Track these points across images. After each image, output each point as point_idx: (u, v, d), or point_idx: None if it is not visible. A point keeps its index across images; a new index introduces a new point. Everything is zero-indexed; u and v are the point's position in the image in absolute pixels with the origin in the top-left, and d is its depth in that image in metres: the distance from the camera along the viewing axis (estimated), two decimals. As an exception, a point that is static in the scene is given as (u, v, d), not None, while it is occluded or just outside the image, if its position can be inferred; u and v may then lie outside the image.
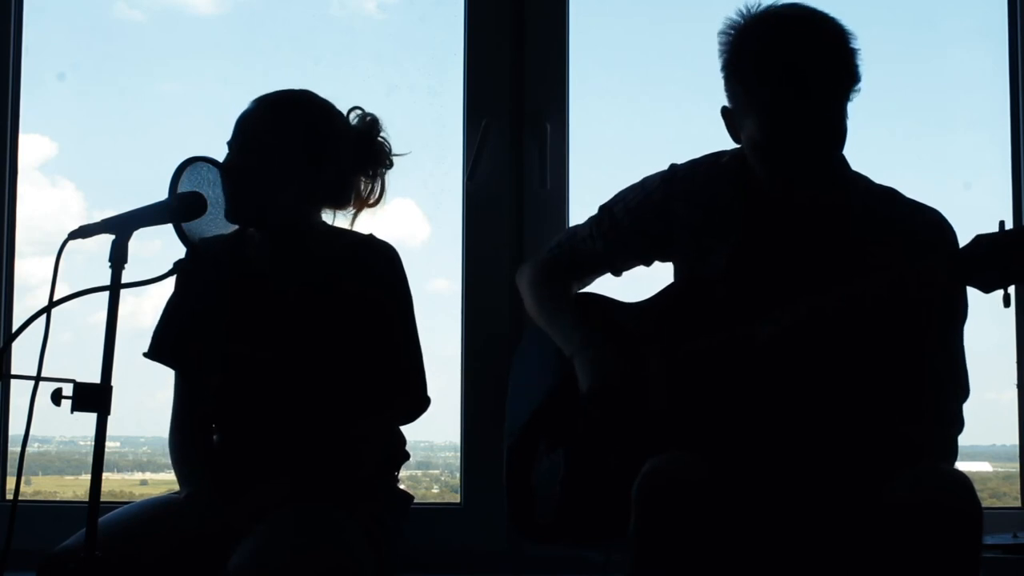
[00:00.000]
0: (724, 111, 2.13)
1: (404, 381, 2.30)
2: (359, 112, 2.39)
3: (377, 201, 2.42)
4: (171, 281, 2.39)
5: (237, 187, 2.24)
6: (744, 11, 2.08)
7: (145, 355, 2.37)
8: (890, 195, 2.15)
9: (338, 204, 2.38)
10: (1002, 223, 1.91)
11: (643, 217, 2.25)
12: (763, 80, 2.01)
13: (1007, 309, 1.92)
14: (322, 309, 2.29)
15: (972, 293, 2.01)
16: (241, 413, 2.32)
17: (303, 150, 2.27)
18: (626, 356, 2.10)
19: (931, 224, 2.11)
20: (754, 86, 2.03)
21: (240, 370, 2.30)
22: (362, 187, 2.40)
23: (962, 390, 2.09)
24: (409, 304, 2.34)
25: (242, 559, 2.03)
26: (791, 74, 1.99)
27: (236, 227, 2.34)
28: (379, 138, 2.40)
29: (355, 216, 2.41)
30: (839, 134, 2.05)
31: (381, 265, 2.32)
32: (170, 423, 2.37)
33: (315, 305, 2.29)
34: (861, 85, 2.05)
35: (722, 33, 2.09)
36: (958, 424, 2.08)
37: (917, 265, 1.95)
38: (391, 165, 2.42)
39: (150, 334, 2.40)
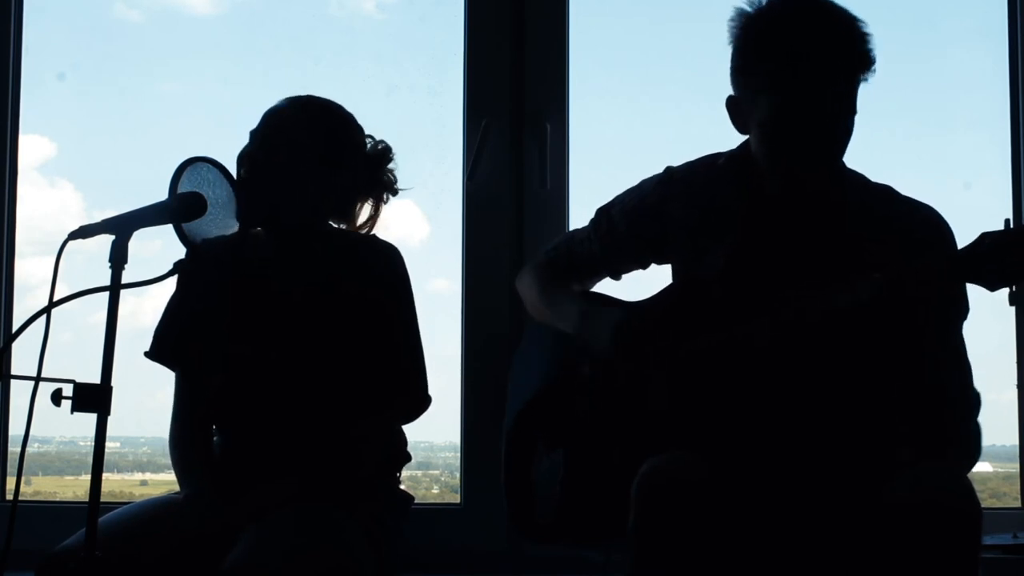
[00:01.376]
0: (730, 101, 2.13)
1: (405, 380, 2.30)
2: (371, 139, 2.40)
3: (369, 229, 2.43)
4: (172, 281, 2.39)
5: (256, 179, 2.24)
6: (755, 1, 2.08)
7: (146, 355, 2.37)
8: (886, 193, 2.16)
9: (342, 216, 2.39)
10: (1007, 221, 1.91)
11: (639, 220, 2.25)
12: (774, 58, 2.02)
13: (1009, 309, 1.92)
14: (325, 309, 2.29)
15: (973, 293, 2.00)
16: (243, 413, 2.32)
17: (326, 154, 2.29)
18: (637, 333, 2.11)
19: (928, 222, 2.11)
20: (765, 65, 2.03)
21: (242, 370, 2.30)
22: (358, 209, 2.41)
23: (967, 375, 2.07)
24: (411, 304, 2.34)
25: (240, 556, 2.03)
26: (802, 50, 2.00)
27: (236, 228, 2.34)
28: (388, 167, 2.42)
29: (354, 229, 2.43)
30: (847, 118, 2.06)
31: (383, 265, 2.33)
32: (170, 423, 2.37)
33: (318, 305, 2.30)
34: (876, 67, 2.05)
35: (732, 19, 2.09)
36: (976, 407, 2.06)
37: (916, 263, 1.94)
38: (395, 193, 2.44)
39: (150, 334, 2.40)
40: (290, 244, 2.33)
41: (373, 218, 2.43)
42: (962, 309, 2.08)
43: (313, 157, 2.28)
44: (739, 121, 2.13)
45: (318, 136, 2.29)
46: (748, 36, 2.07)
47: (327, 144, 2.30)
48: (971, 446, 2.05)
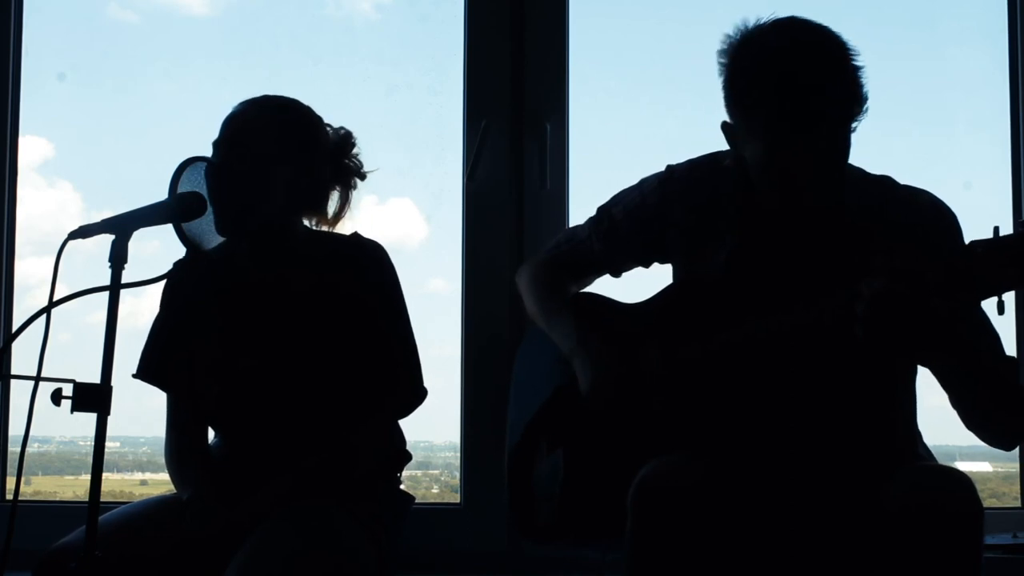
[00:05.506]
0: (724, 126, 2.06)
1: (400, 375, 2.30)
2: (330, 127, 2.39)
3: (336, 219, 2.41)
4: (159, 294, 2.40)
5: (229, 186, 2.23)
6: (743, 28, 2.01)
7: (134, 376, 2.38)
8: (885, 184, 2.13)
9: (315, 209, 2.38)
10: (996, 229, 1.87)
11: (640, 219, 2.24)
12: (763, 113, 1.95)
13: (1009, 308, 1.89)
14: (315, 311, 2.29)
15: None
16: (241, 417, 2.32)
17: (290, 149, 2.28)
18: (624, 356, 2.10)
19: (930, 209, 2.08)
20: (754, 116, 1.97)
21: (238, 377, 2.30)
22: (328, 200, 2.41)
23: (998, 341, 2.04)
24: (400, 299, 2.34)
25: (242, 561, 2.03)
26: (792, 108, 1.92)
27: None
28: (352, 152, 2.41)
29: (330, 226, 2.42)
30: (842, 159, 2.01)
31: (369, 263, 2.32)
32: (165, 436, 2.38)
33: (307, 308, 2.29)
34: (868, 105, 1.98)
35: (721, 53, 2.02)
36: (1018, 369, 2.02)
37: (907, 275, 1.90)
38: (363, 177, 2.43)
39: (146, 339, 2.40)
40: (275, 249, 2.33)
41: (344, 207, 2.41)
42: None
43: (278, 154, 2.26)
44: (735, 146, 2.07)
45: (280, 133, 2.27)
46: (735, 77, 2.00)
47: (289, 139, 2.28)
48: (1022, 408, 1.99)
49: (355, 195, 2.44)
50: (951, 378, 1.98)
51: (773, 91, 1.93)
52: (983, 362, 1.95)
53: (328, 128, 2.38)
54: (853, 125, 1.99)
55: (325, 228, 2.42)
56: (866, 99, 1.98)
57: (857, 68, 1.98)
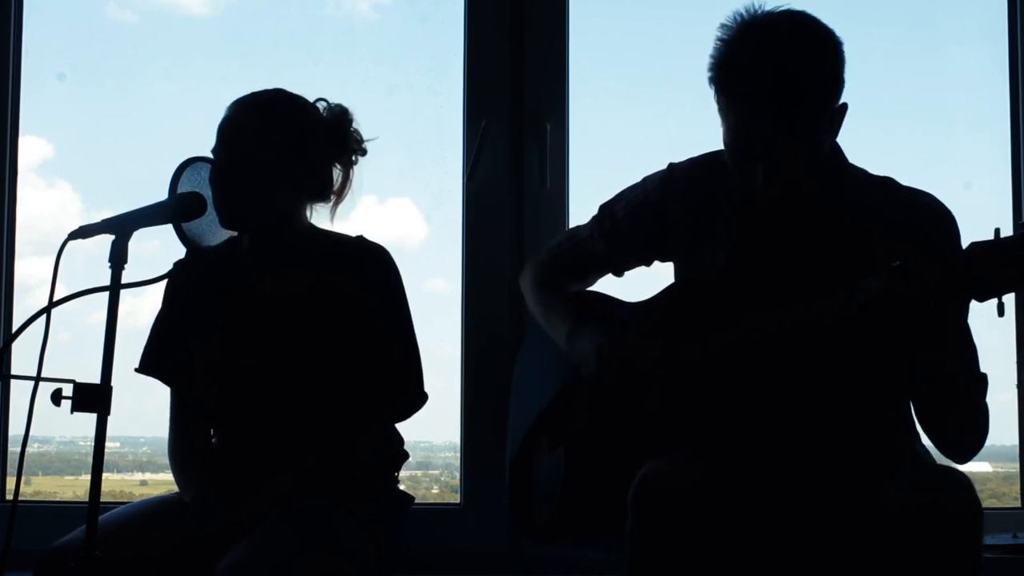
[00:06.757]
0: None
1: (399, 377, 2.30)
2: (326, 103, 2.37)
3: (342, 193, 2.39)
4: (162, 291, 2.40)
5: (232, 190, 2.23)
6: (734, 17, 2.03)
7: (136, 370, 2.38)
8: (886, 185, 2.13)
9: (319, 197, 2.37)
10: (997, 231, 1.87)
11: (642, 217, 2.24)
12: (727, 100, 1.99)
13: (1009, 309, 1.89)
14: (316, 312, 2.29)
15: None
16: (240, 417, 2.32)
17: (289, 145, 2.27)
18: (622, 353, 2.10)
19: (929, 210, 2.08)
20: (721, 101, 2.01)
21: (238, 377, 2.30)
22: (334, 178, 2.39)
23: (975, 355, 2.05)
24: (404, 304, 2.33)
25: (239, 559, 2.03)
26: (750, 102, 1.95)
27: (231, 232, 2.34)
28: (350, 127, 2.38)
29: (333, 210, 2.40)
30: (807, 153, 2.01)
31: (369, 264, 2.32)
32: (168, 434, 2.38)
33: (309, 309, 2.29)
34: (844, 100, 2.00)
35: (718, 27, 2.05)
36: (984, 387, 2.03)
37: (908, 276, 1.90)
38: (364, 152, 2.41)
39: (148, 334, 2.40)
40: (278, 247, 2.33)
41: (345, 184, 2.38)
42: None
43: (278, 148, 2.26)
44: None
45: (277, 131, 2.27)
46: (712, 66, 2.03)
47: (289, 134, 2.27)
48: (982, 427, 2.01)
49: (353, 198, 2.42)
50: (939, 381, 1.97)
51: (738, 84, 1.97)
52: (973, 370, 1.96)
53: (323, 102, 2.36)
54: (823, 120, 1.99)
55: (328, 213, 2.40)
56: (836, 97, 2.00)
57: (827, 69, 1.99)
